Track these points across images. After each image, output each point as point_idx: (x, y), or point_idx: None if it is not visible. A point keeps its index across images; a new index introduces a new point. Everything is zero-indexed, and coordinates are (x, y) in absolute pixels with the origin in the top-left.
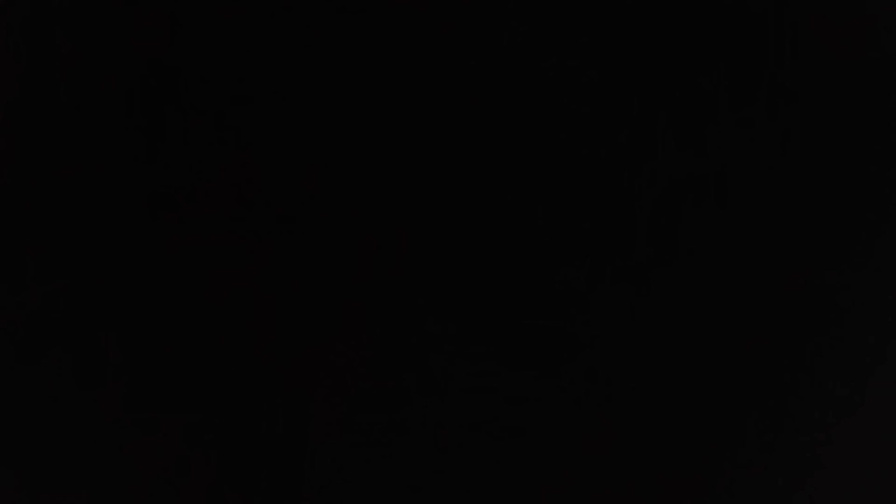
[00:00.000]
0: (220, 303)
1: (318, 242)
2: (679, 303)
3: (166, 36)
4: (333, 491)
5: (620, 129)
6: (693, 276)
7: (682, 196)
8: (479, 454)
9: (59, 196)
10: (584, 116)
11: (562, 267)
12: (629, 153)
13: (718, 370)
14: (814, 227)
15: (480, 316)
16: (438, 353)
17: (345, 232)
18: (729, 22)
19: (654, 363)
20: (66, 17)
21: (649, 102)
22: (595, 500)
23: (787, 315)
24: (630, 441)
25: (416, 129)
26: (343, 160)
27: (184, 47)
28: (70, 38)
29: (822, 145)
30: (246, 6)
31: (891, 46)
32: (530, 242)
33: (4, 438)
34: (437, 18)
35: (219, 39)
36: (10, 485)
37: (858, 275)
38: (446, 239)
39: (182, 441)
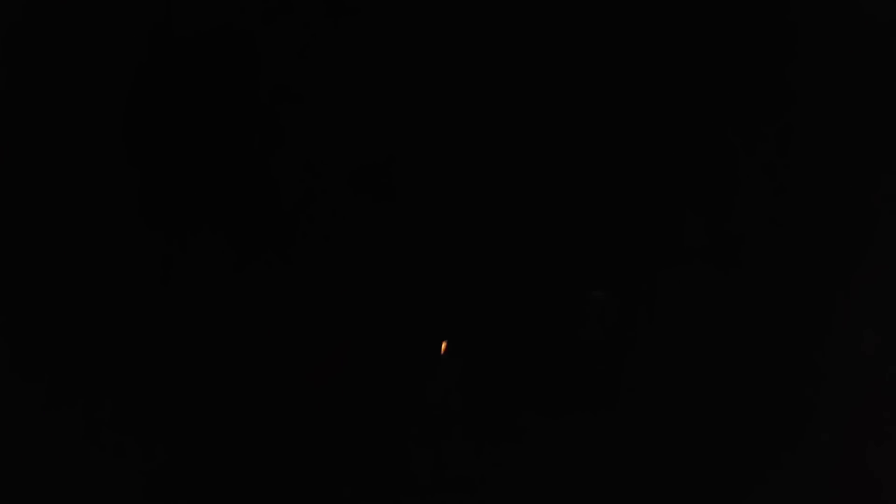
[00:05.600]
0: (220, 310)
1: (325, 249)
2: (685, 307)
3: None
4: (334, 494)
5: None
6: (696, 278)
7: (685, 199)
8: (479, 455)
9: (57, 202)
10: (587, 126)
11: (565, 272)
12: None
13: (725, 375)
14: (814, 228)
15: (482, 319)
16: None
17: (350, 239)
18: (731, 23)
19: (659, 368)
20: (62, 19)
21: (655, 117)
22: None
23: (790, 320)
24: (638, 446)
25: (420, 134)
26: (352, 165)
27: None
28: (64, 46)
29: (822, 145)
30: (245, 11)
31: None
32: (534, 249)
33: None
34: (448, 24)
35: (219, 47)
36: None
37: (859, 275)
38: (455, 245)
39: (183, 444)
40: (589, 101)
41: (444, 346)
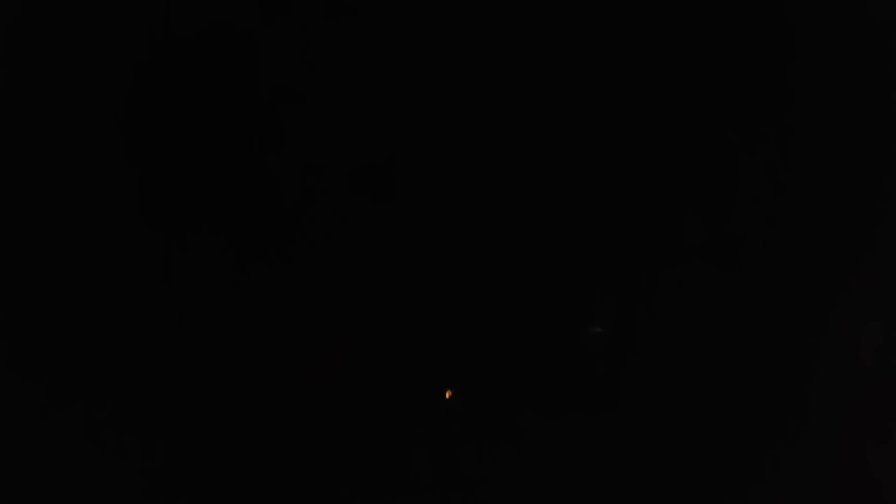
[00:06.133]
0: (220, 309)
1: (325, 248)
2: (684, 309)
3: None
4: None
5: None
6: (697, 279)
7: (685, 202)
8: (479, 455)
9: (56, 202)
10: (587, 126)
11: (565, 272)
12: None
13: (727, 377)
14: (814, 228)
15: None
16: (445, 358)
17: (350, 239)
18: (731, 23)
19: (661, 370)
20: (61, 19)
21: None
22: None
23: (790, 319)
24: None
25: (421, 139)
26: (351, 165)
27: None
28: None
29: (822, 145)
30: (245, 11)
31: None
32: (538, 254)
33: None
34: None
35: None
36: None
37: (859, 276)
38: (455, 245)
39: (182, 444)
40: (589, 101)
41: (448, 394)
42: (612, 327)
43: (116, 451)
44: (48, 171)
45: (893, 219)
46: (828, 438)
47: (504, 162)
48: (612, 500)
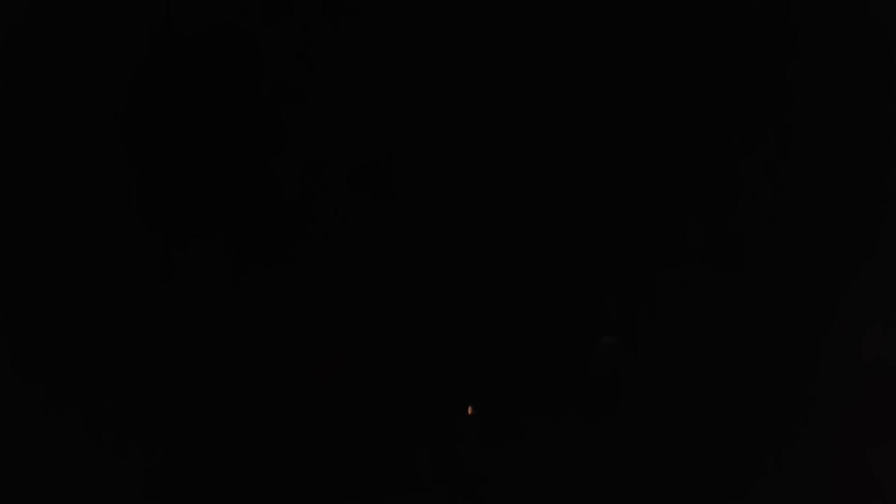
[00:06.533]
0: (220, 309)
1: (325, 248)
2: (685, 309)
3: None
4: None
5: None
6: (698, 278)
7: (687, 203)
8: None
9: (57, 202)
10: (588, 127)
11: (566, 272)
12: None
13: (728, 377)
14: (814, 228)
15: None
16: (447, 359)
17: (351, 239)
18: (732, 24)
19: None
20: (62, 20)
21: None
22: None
23: (790, 318)
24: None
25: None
26: (352, 165)
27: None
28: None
29: (822, 145)
30: (245, 12)
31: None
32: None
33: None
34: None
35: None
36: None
37: (859, 275)
38: (456, 245)
39: (182, 443)
40: (590, 101)
41: (469, 410)
42: (615, 329)
43: (117, 451)
44: (48, 171)
45: (894, 219)
46: (828, 438)
47: (505, 162)
48: (613, 498)
